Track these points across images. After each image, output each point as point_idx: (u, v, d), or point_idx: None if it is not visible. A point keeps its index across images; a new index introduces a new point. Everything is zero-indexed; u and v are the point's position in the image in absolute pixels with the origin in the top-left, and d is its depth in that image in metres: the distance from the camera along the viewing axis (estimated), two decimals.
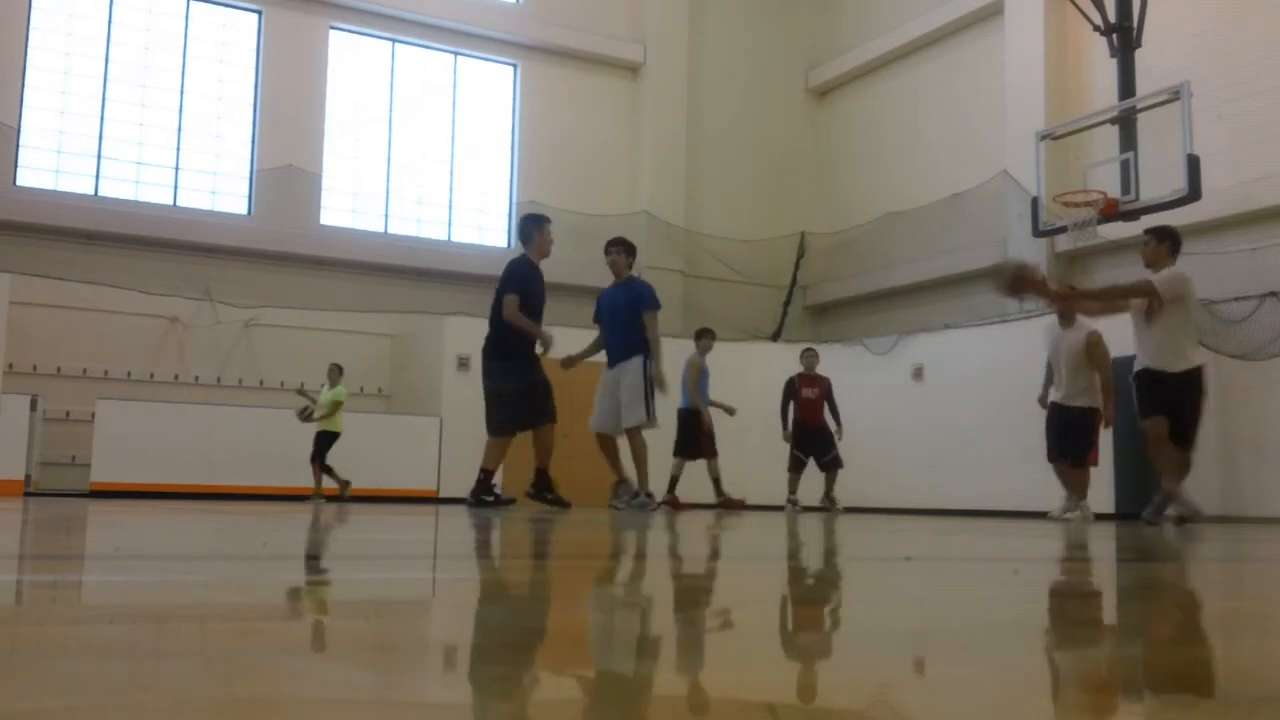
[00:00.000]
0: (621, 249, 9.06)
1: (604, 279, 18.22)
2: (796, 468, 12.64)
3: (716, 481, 12.43)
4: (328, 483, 13.47)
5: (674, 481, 12.26)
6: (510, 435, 8.60)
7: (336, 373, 13.89)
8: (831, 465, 12.57)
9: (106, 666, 1.18)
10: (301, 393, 13.87)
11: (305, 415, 13.44)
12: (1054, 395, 9.97)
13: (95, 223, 15.17)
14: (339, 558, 3.42)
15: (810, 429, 12.62)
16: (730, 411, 12.50)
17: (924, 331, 15.32)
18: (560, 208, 18.11)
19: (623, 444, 8.95)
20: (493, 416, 8.54)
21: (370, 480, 14.00)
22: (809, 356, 12.95)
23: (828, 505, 12.40)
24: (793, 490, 12.56)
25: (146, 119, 16.20)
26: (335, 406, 13.60)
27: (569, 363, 8.81)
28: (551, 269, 18.00)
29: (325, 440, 13.51)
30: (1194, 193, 11.21)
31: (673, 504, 11.84)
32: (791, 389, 12.76)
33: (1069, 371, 9.76)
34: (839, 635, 1.70)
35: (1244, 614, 2.15)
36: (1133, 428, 11.92)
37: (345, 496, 13.20)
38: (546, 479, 8.52)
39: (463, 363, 15.19)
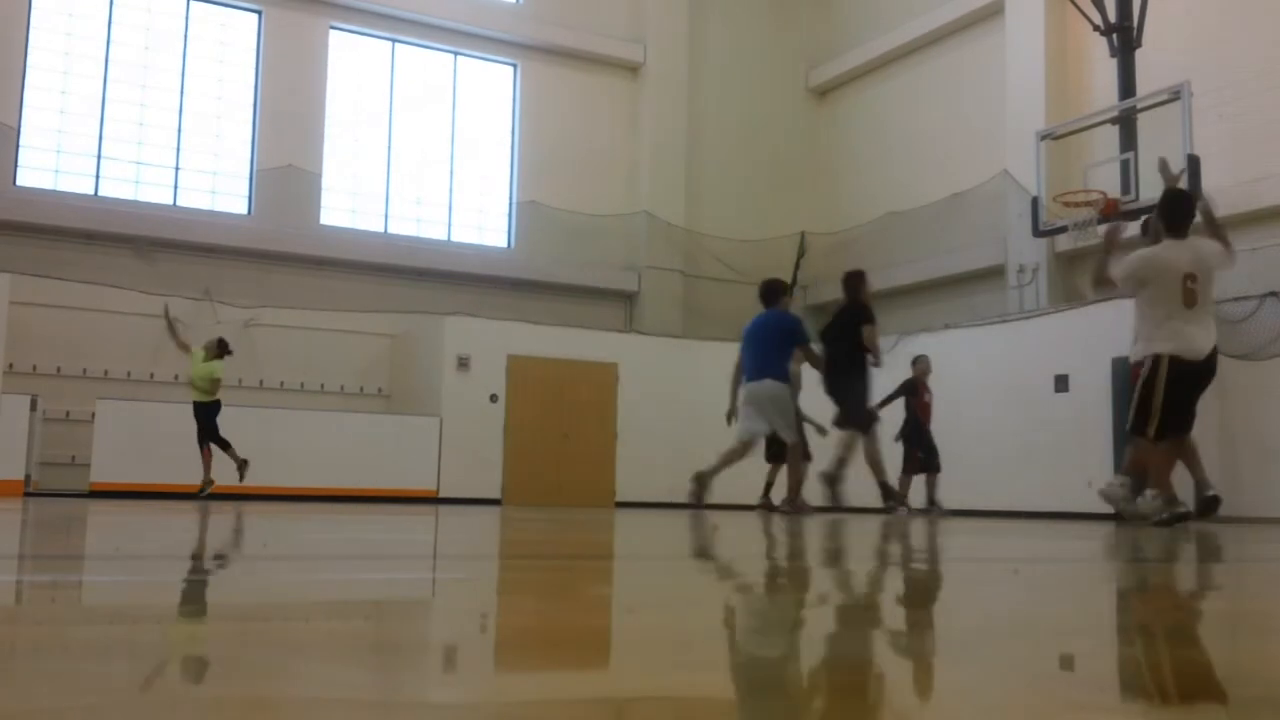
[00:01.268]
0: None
1: (603, 278, 18.37)
2: (918, 470, 12.40)
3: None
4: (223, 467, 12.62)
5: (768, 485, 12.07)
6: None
7: (216, 346, 12.97)
8: (938, 467, 12.42)
9: (106, 666, 1.18)
10: (171, 324, 13.18)
11: (172, 325, 12.99)
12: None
13: (95, 223, 15.16)
14: (346, 558, 3.41)
15: (927, 432, 12.49)
16: (822, 431, 11.96)
17: (924, 331, 15.30)
18: (560, 208, 18.14)
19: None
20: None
21: (370, 480, 14.00)
22: (926, 363, 12.79)
23: (937, 508, 12.12)
24: (905, 492, 12.27)
25: (146, 119, 16.19)
26: (214, 384, 12.79)
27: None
28: (551, 269, 18.18)
29: (207, 412, 12.72)
30: (1194, 192, 11.20)
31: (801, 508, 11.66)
32: (913, 390, 12.59)
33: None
34: (839, 635, 1.70)
35: (1246, 614, 2.15)
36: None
37: (208, 486, 12.51)
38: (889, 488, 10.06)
39: (462, 363, 15.19)
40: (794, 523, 7.51)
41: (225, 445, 12.78)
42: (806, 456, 11.14)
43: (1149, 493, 7.60)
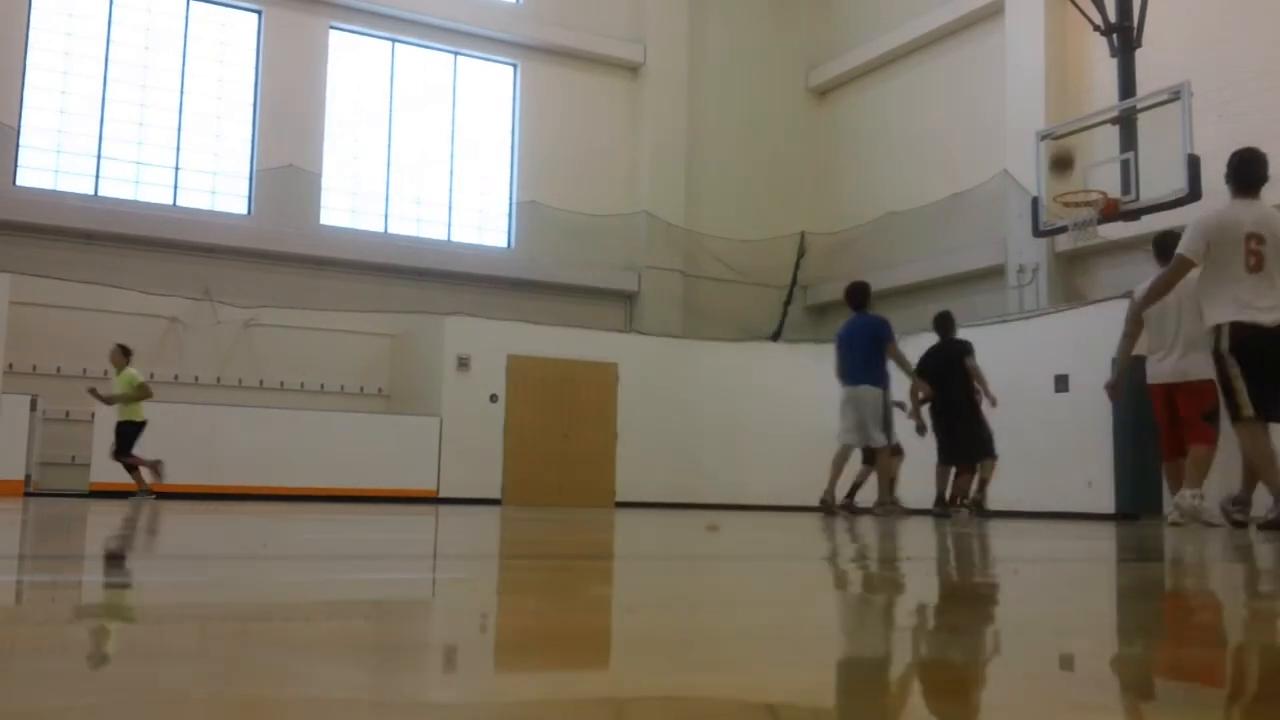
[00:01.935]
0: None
1: (603, 278, 18.37)
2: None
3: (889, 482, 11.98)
4: (137, 475, 12.16)
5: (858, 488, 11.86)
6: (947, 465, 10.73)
7: (121, 354, 12.41)
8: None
9: (106, 666, 1.18)
10: (93, 393, 12.47)
11: (99, 397, 12.32)
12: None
13: (95, 223, 15.17)
14: (346, 558, 3.41)
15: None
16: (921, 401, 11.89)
17: (924, 331, 15.29)
18: (560, 208, 18.15)
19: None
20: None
21: (370, 480, 14.00)
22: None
23: (962, 507, 11.84)
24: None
25: (146, 119, 16.20)
26: (141, 390, 12.28)
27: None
28: (551, 269, 18.19)
29: (129, 432, 12.25)
30: (1194, 193, 11.20)
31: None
32: None
33: (1188, 323, 7.17)
34: (836, 632, 1.69)
35: (1246, 614, 2.15)
36: (1134, 424, 11.94)
37: (146, 494, 12.02)
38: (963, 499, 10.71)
39: (462, 363, 15.18)
40: (885, 523, 7.58)
41: (131, 467, 12.22)
42: (897, 453, 11.18)
43: (1188, 493, 7.05)
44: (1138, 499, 12.30)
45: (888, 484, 10.19)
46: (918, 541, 5.15)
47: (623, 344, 16.42)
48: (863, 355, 9.98)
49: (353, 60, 17.62)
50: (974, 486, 10.71)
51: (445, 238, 17.92)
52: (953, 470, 10.64)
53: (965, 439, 10.49)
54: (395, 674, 1.18)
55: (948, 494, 10.71)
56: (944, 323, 10.94)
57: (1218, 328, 6.45)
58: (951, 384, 10.47)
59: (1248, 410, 6.37)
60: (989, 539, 5.65)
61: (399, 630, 1.64)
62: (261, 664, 1.23)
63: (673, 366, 16.35)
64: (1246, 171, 6.61)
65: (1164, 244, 8.08)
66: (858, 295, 10.35)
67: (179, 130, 16.36)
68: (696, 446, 16.07)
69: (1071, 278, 15.14)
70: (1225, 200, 6.83)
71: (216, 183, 16.55)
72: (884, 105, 18.82)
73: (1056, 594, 2.61)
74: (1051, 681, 1.26)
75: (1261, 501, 6.82)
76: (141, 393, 12.37)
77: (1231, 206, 6.59)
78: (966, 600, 2.37)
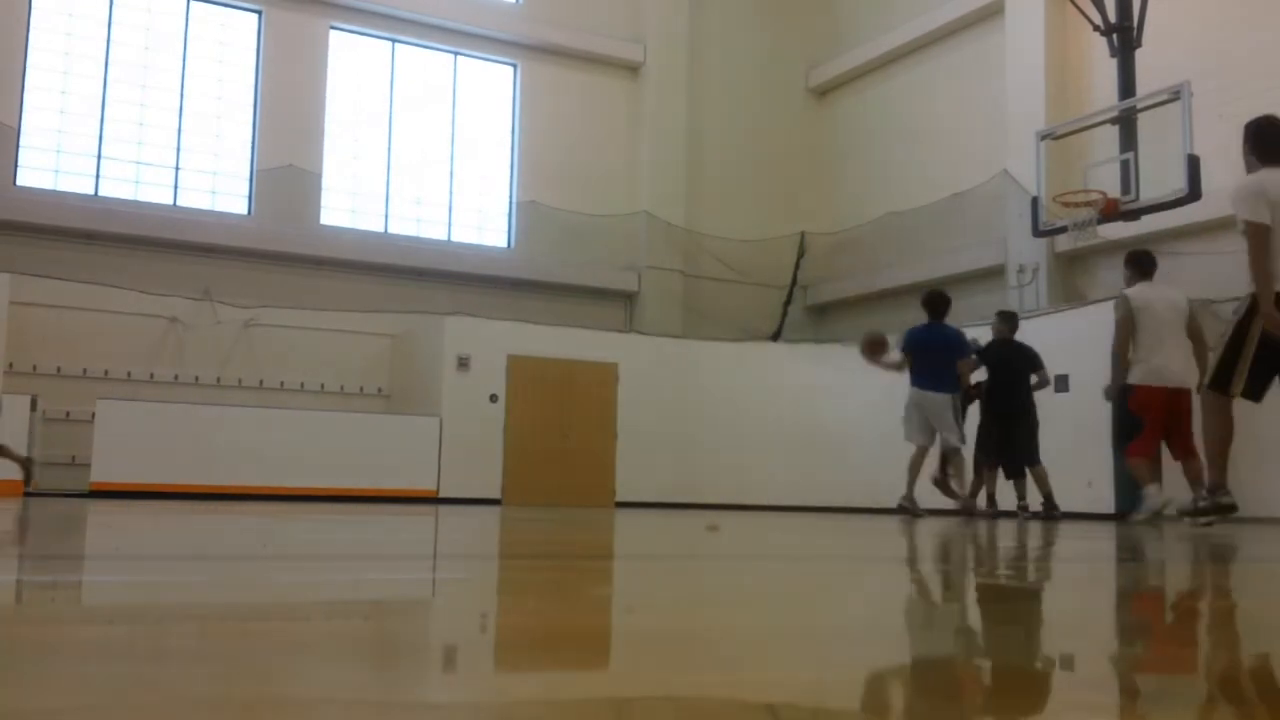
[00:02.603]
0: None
1: (603, 278, 18.36)
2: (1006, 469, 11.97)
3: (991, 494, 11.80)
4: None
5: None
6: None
7: None
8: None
9: (106, 666, 1.18)
10: None
11: None
12: (1153, 375, 7.98)
13: (95, 223, 15.16)
14: (346, 558, 3.41)
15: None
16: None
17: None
18: (560, 208, 18.14)
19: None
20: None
21: (369, 480, 14.00)
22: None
23: (973, 508, 11.54)
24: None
25: (146, 119, 16.19)
26: None
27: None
28: (552, 270, 18.21)
29: None
30: (1194, 193, 11.20)
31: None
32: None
33: (1176, 340, 7.88)
34: (831, 632, 1.69)
35: (1244, 614, 2.15)
36: (1133, 425, 11.91)
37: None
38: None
39: (462, 363, 15.18)
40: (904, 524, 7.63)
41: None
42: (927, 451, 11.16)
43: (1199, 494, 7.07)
44: (1138, 499, 12.27)
45: (913, 482, 10.40)
46: (940, 542, 5.15)
47: (623, 344, 16.41)
48: (941, 364, 10.27)
49: (353, 60, 17.61)
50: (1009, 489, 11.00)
51: (445, 238, 17.92)
52: (996, 469, 10.90)
53: (1025, 444, 10.76)
54: (395, 674, 1.18)
55: (990, 492, 10.99)
56: (1009, 321, 11.06)
57: (1253, 297, 6.25)
58: (1015, 391, 10.71)
59: (1237, 389, 6.42)
60: (998, 540, 5.66)
61: (399, 630, 1.64)
62: (261, 664, 1.23)
63: (673, 366, 16.34)
64: (1271, 139, 6.47)
65: (1136, 260, 8.18)
66: (940, 305, 10.52)
67: (179, 130, 16.36)
68: (696, 446, 16.06)
69: (1071, 278, 15.14)
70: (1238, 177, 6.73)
71: (216, 183, 16.54)
72: (884, 105, 18.81)
73: (1060, 593, 2.61)
74: (1051, 681, 1.26)
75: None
76: None
77: (1266, 174, 6.39)
78: (966, 599, 2.37)
